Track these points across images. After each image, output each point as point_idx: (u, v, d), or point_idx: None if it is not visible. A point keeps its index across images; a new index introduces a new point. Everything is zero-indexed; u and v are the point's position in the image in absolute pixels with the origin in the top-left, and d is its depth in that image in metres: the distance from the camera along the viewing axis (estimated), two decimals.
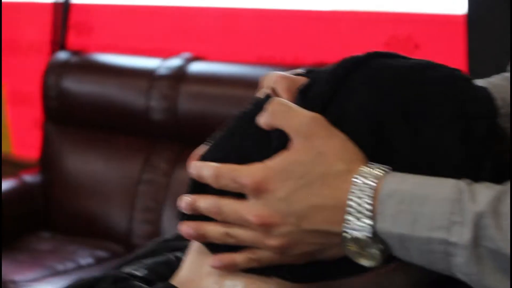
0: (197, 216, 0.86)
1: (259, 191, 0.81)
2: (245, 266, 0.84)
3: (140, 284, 0.89)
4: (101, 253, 2.85)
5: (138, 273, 0.93)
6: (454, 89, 0.84)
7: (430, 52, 2.56)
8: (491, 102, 0.84)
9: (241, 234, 0.83)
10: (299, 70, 0.93)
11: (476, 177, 0.78)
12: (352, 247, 0.78)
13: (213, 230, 0.85)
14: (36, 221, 3.09)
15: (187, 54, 2.96)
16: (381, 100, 0.82)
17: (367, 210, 0.77)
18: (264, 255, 0.83)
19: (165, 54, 3.04)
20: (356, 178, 0.78)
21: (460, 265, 0.75)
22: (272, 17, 2.93)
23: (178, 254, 0.99)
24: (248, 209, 0.81)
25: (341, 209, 0.78)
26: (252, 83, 2.74)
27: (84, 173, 3.04)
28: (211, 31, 3.05)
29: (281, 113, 0.83)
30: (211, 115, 2.79)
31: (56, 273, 2.68)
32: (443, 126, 0.81)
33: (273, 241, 0.81)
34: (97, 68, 3.08)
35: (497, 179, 0.78)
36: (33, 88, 3.45)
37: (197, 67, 2.89)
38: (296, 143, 0.81)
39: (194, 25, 3.09)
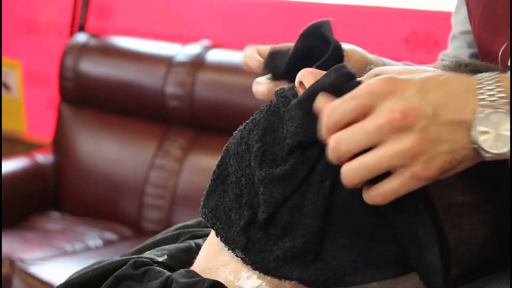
0: None
1: (390, 91, 0.75)
2: (406, 189, 0.76)
3: (161, 269, 0.89)
4: (110, 236, 2.85)
5: (158, 259, 0.93)
6: None
7: None
8: None
9: (391, 147, 0.75)
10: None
11: None
12: (486, 130, 0.75)
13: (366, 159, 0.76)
14: (47, 201, 3.10)
15: (206, 42, 2.96)
16: None
17: (500, 91, 0.75)
18: (411, 171, 0.75)
19: (184, 40, 3.04)
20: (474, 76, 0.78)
21: None
22: (293, 8, 2.92)
23: (199, 241, 0.99)
24: (380, 113, 0.75)
25: (471, 94, 0.76)
26: None
27: (96, 156, 3.05)
28: (231, 19, 3.05)
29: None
30: (227, 104, 2.79)
31: (65, 253, 2.69)
32: None
33: (414, 136, 0.74)
34: (115, 52, 3.09)
35: None
36: (49, 69, 3.46)
37: (215, 55, 2.89)
38: None
39: (215, 12, 3.09)
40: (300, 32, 0.99)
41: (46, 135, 3.44)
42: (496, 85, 0.76)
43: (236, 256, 0.87)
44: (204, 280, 0.84)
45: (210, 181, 0.90)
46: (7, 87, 3.64)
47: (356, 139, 0.75)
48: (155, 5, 3.24)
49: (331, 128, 0.77)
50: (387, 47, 2.69)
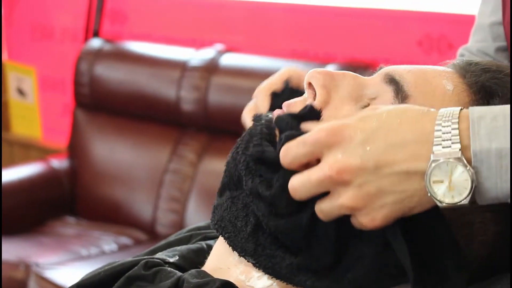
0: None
1: (334, 143, 0.77)
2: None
3: (172, 269, 0.89)
4: (125, 240, 2.86)
5: (170, 259, 0.94)
6: None
7: None
8: None
9: (328, 206, 0.79)
10: None
11: None
12: (439, 180, 0.74)
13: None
14: (62, 206, 3.10)
15: (220, 46, 2.96)
16: None
17: (455, 135, 0.74)
18: (357, 221, 0.78)
19: (198, 44, 3.05)
20: (438, 111, 0.77)
21: None
22: (307, 13, 2.92)
23: (210, 242, 1.00)
24: (321, 167, 0.77)
25: (424, 142, 0.75)
26: None
27: (111, 160, 3.06)
28: (245, 23, 3.05)
29: None
30: (241, 108, 2.75)
31: (80, 258, 2.70)
32: None
33: (350, 193, 0.76)
34: (130, 57, 3.09)
35: None
36: (65, 75, 3.47)
37: (229, 59, 2.89)
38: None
39: (229, 16, 3.09)
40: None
41: (61, 141, 3.45)
42: (453, 128, 0.75)
43: (248, 261, 0.87)
44: (215, 280, 0.84)
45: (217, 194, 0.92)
46: (22, 93, 3.65)
47: (306, 188, 0.78)
48: (169, 10, 3.25)
49: (287, 166, 0.80)
50: (401, 50, 2.68)
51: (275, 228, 0.85)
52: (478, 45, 1.24)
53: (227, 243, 0.88)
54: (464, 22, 2.64)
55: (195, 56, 2.94)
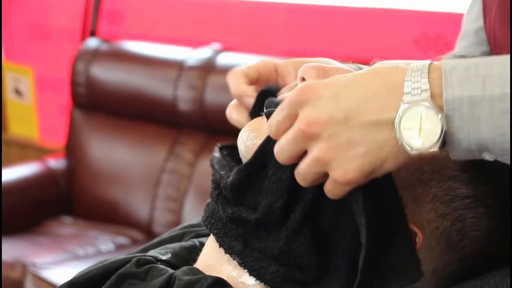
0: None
1: (304, 101, 0.78)
2: (338, 193, 0.79)
3: (164, 266, 0.89)
4: (122, 240, 2.86)
5: (162, 257, 0.94)
6: None
7: None
8: None
9: (304, 167, 0.79)
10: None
11: None
12: (409, 127, 0.75)
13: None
14: (59, 206, 3.10)
15: (216, 45, 2.96)
16: None
17: (424, 84, 0.74)
18: (331, 177, 0.78)
19: (195, 44, 3.04)
20: (408, 65, 0.77)
21: None
22: (303, 12, 2.92)
23: (203, 239, 1.00)
24: (295, 124, 0.78)
25: (394, 93, 0.75)
26: None
27: (108, 160, 3.05)
28: (242, 22, 3.05)
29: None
30: None
31: (77, 257, 2.70)
32: None
33: (320, 145, 0.76)
34: (126, 57, 3.09)
35: None
36: (61, 74, 3.47)
37: (225, 58, 2.89)
38: None
39: (226, 16, 3.09)
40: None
41: (58, 140, 3.45)
42: (422, 77, 0.75)
43: (234, 259, 0.87)
44: (207, 277, 0.84)
45: (210, 190, 0.92)
46: (19, 93, 3.65)
47: (286, 149, 0.79)
48: (165, 9, 3.24)
49: (274, 136, 0.81)
50: (398, 49, 2.68)
51: (257, 245, 0.86)
52: (465, 51, 1.25)
53: (215, 239, 0.88)
54: (460, 22, 2.64)
55: (192, 55, 2.94)
